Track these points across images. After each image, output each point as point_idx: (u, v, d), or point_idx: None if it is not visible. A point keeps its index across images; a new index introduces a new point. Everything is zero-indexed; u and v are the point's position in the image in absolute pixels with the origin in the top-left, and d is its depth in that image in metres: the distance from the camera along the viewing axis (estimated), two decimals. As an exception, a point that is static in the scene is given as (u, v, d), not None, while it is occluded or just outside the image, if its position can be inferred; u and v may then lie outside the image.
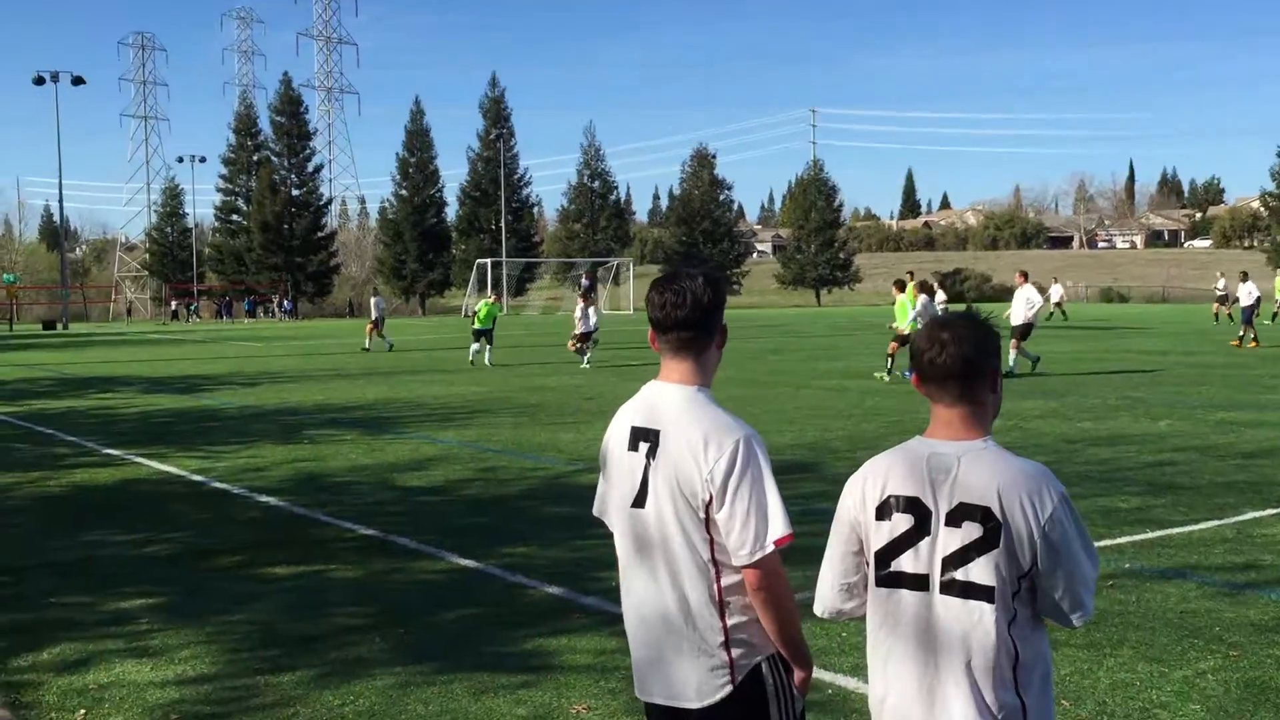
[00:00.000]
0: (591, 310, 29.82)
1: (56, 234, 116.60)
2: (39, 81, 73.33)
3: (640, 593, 3.21)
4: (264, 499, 11.48)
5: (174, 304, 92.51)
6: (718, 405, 3.15)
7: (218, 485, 12.32)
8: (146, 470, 13.45)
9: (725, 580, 3.08)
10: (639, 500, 3.17)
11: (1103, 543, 8.70)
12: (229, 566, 8.78)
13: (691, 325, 3.15)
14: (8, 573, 8.74)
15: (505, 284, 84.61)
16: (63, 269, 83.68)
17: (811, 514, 9.98)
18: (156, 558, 9.13)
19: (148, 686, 6.19)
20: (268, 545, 9.42)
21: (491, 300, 30.98)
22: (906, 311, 22.81)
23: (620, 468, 3.24)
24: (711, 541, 3.06)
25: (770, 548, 3.00)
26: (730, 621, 3.09)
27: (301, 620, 7.31)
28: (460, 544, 9.24)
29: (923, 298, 23.99)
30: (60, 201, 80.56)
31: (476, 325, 30.03)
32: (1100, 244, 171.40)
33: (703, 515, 3.05)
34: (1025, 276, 24.98)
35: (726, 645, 3.09)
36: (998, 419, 3.02)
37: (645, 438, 3.17)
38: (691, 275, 3.19)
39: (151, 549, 9.42)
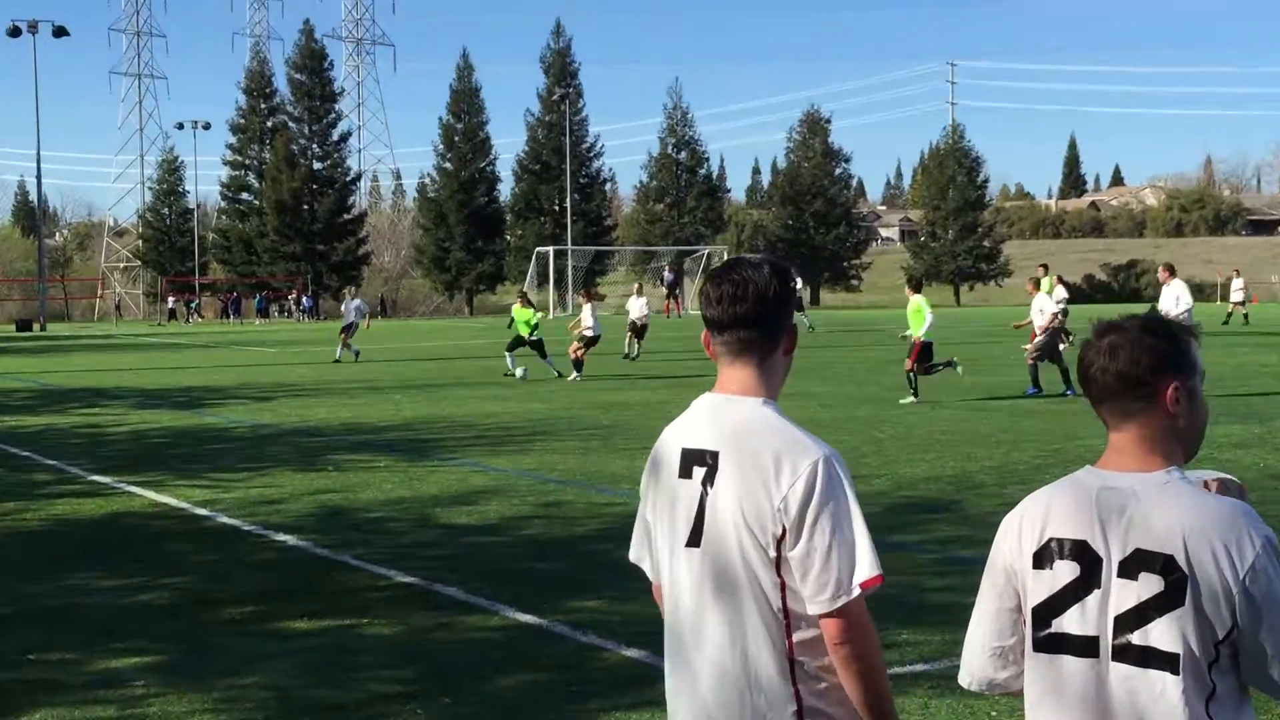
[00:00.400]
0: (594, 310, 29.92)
1: (33, 216, 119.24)
2: (13, 33, 75.36)
3: (691, 652, 3.23)
4: (281, 538, 11.68)
5: (171, 301, 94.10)
6: (790, 420, 3.19)
7: (225, 520, 12.55)
8: (140, 501, 13.74)
9: (799, 635, 3.09)
10: (694, 538, 3.19)
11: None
12: (239, 619, 8.94)
13: (754, 323, 3.20)
14: (-22, 623, 8.95)
15: (570, 277, 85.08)
16: (40, 258, 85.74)
17: (953, 563, 9.94)
18: (153, 607, 9.32)
19: (144, 762, 6.32)
20: (285, 594, 9.57)
21: (519, 304, 30.58)
22: (923, 317, 22.77)
23: (669, 499, 3.28)
24: (783, 586, 3.08)
25: (856, 592, 3.02)
26: (804, 687, 3.09)
27: (326, 685, 7.41)
28: (519, 595, 9.32)
29: (1040, 295, 24.10)
30: (38, 177, 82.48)
31: (518, 335, 29.73)
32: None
33: (773, 554, 3.07)
34: (1172, 271, 25.99)
35: (799, 716, 3.09)
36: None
37: (700, 461, 3.20)
38: (755, 264, 3.25)
39: (147, 596, 9.62)
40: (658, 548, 3.34)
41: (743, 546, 3.10)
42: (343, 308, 39.07)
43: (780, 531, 3.04)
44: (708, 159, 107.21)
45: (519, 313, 30.28)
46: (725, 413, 3.21)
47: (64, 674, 7.74)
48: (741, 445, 3.14)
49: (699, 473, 3.19)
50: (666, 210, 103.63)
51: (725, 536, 3.12)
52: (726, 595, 3.14)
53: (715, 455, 3.16)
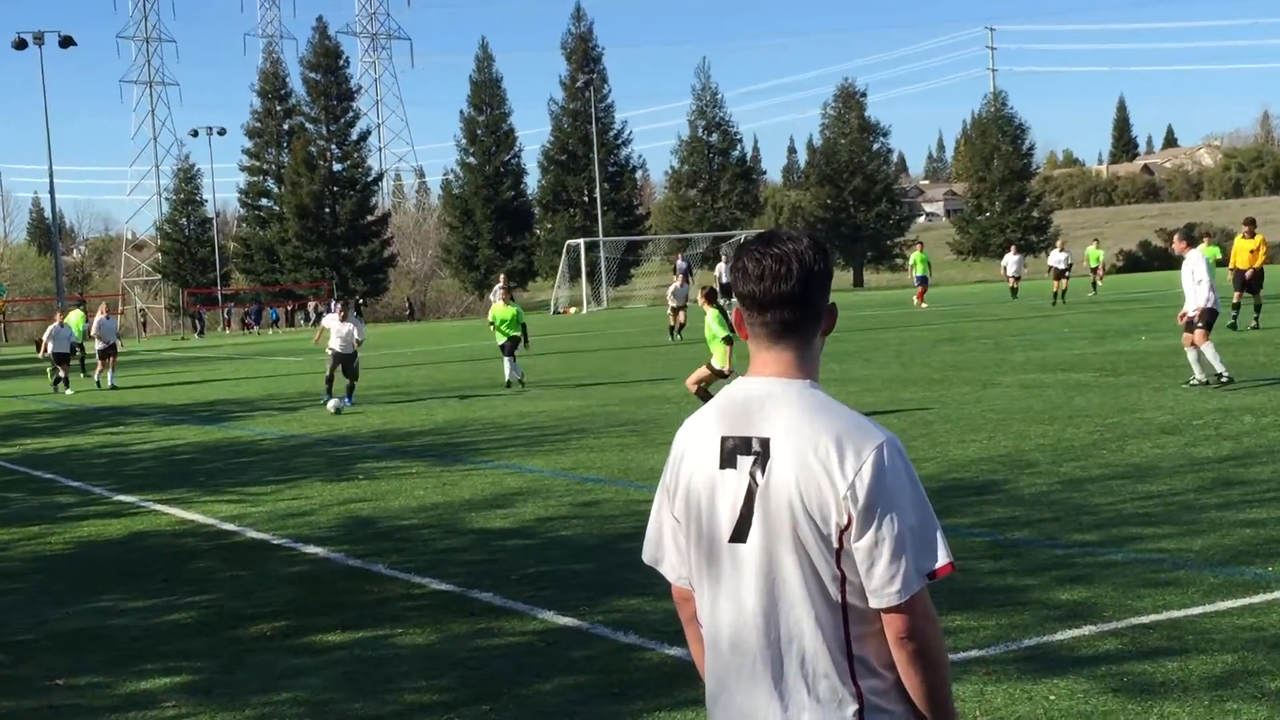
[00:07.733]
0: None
1: (48, 233, 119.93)
2: (19, 45, 74.94)
3: (738, 654, 3.16)
4: (311, 550, 11.78)
5: (198, 313, 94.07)
6: (842, 403, 3.15)
7: (254, 534, 12.67)
8: (167, 519, 13.87)
9: (858, 630, 3.05)
10: (739, 533, 3.11)
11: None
12: (271, 634, 9.01)
13: (799, 302, 3.14)
14: (5, 649, 9.07)
15: (604, 269, 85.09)
16: (58, 276, 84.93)
17: (1007, 545, 9.92)
18: (183, 625, 9.42)
19: (178, 783, 6.40)
20: (318, 607, 9.65)
21: (501, 301, 27.94)
22: (717, 332, 18.85)
23: (706, 492, 3.19)
24: (843, 580, 3.03)
25: (924, 583, 3.01)
26: (865, 685, 3.05)
27: (362, 697, 7.47)
28: (557, 598, 9.38)
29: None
30: (51, 192, 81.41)
31: (500, 338, 27.16)
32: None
33: (835, 545, 3.02)
34: (1189, 242, 20.39)
35: (861, 716, 3.04)
36: None
37: (746, 450, 3.12)
38: (795, 238, 3.19)
39: (176, 615, 9.71)
40: (688, 546, 3.28)
41: (800, 539, 3.03)
42: (95, 324, 34.58)
43: (845, 521, 2.99)
44: (740, 140, 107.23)
45: (499, 310, 27.65)
46: (770, 397, 3.13)
47: (93, 698, 7.83)
48: (796, 430, 3.06)
49: (745, 462, 3.11)
50: (700, 196, 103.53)
51: (779, 529, 3.05)
52: (777, 593, 3.07)
53: (765, 442, 3.08)
